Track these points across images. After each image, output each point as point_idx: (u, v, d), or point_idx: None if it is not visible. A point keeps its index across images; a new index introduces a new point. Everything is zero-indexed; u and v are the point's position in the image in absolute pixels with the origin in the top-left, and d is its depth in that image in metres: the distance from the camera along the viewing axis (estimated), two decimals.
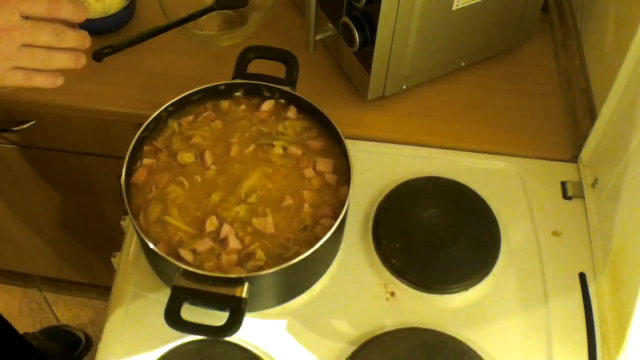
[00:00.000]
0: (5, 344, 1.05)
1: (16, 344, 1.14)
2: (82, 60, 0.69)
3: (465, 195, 0.90)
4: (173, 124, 0.85)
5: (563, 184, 0.92)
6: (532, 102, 1.02)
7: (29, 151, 1.19)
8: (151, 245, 0.73)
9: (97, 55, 0.95)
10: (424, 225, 0.87)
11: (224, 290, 0.71)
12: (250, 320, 0.77)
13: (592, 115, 0.93)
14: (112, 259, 0.89)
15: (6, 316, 1.30)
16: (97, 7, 1.07)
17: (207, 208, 0.79)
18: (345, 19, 0.91)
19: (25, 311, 1.74)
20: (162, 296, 0.72)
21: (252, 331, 0.78)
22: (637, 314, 0.73)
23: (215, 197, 0.80)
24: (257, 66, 0.89)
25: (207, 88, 0.87)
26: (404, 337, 0.78)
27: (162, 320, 0.70)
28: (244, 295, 0.71)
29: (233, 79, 0.88)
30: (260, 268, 0.74)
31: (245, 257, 0.76)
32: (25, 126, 1.08)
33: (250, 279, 0.72)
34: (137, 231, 0.75)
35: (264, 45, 0.90)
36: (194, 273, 0.71)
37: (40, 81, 0.67)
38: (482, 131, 0.98)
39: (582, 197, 0.90)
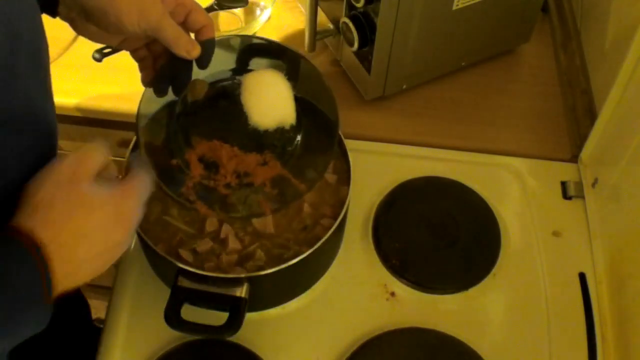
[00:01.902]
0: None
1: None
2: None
3: (465, 195, 0.90)
4: None
5: (563, 184, 0.92)
6: (532, 102, 1.02)
7: None
8: (151, 245, 0.73)
9: (97, 55, 0.95)
10: (423, 225, 0.86)
11: (224, 290, 0.71)
12: (250, 320, 0.76)
13: (592, 115, 0.93)
14: None
15: None
16: None
17: None
18: (345, 19, 0.91)
19: None
20: (162, 296, 0.72)
21: (252, 331, 0.77)
22: (637, 313, 0.73)
23: None
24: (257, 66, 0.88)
25: None
26: (404, 337, 0.78)
27: (162, 320, 0.70)
28: (244, 295, 0.71)
29: None
30: (260, 268, 0.74)
31: (245, 257, 0.76)
32: None
33: (250, 279, 0.72)
34: (137, 231, 0.75)
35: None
36: (194, 273, 0.71)
37: None
38: (482, 131, 0.98)
39: (582, 197, 0.90)
